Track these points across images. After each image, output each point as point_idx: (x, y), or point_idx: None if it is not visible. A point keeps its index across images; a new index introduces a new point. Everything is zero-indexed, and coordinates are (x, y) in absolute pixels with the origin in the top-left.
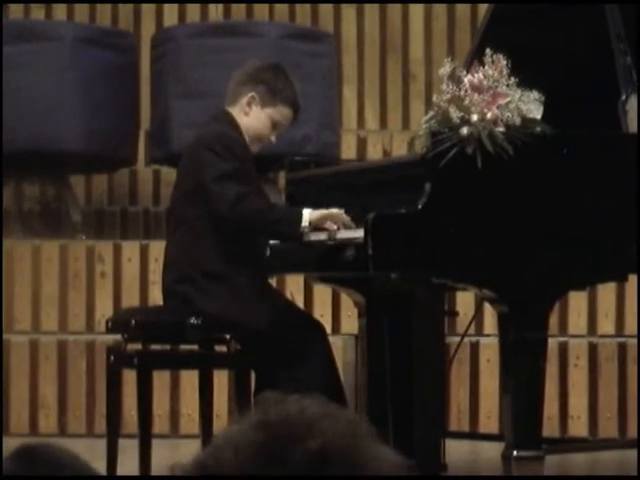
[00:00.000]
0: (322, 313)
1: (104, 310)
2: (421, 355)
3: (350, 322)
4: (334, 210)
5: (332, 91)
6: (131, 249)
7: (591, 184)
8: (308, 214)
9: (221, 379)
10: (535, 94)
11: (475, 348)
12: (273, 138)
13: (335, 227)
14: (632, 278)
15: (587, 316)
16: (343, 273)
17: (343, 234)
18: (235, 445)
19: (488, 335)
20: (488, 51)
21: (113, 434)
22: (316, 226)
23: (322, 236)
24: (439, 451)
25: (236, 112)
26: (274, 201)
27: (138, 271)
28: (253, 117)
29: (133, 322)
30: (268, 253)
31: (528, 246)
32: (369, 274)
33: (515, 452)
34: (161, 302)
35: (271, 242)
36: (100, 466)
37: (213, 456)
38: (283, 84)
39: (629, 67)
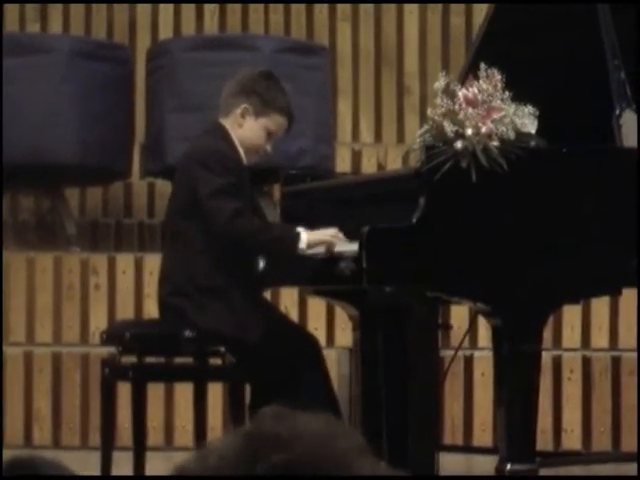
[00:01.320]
0: (316, 326)
1: (98, 322)
2: (415, 368)
3: (344, 335)
4: (331, 232)
5: (327, 104)
6: (125, 262)
7: (585, 198)
8: (306, 237)
9: (216, 392)
10: (529, 108)
11: (469, 361)
12: (269, 148)
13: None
14: (625, 292)
15: (581, 330)
16: (337, 286)
17: (339, 248)
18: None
19: (482, 348)
20: (482, 65)
21: (107, 446)
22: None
23: (320, 250)
24: (433, 464)
25: (229, 124)
26: (269, 214)
27: (133, 284)
28: (247, 128)
29: (127, 335)
30: (262, 266)
31: (522, 260)
32: (363, 287)
33: (509, 465)
34: (156, 315)
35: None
36: None
37: (198, 460)
38: (275, 93)
39: (623, 82)
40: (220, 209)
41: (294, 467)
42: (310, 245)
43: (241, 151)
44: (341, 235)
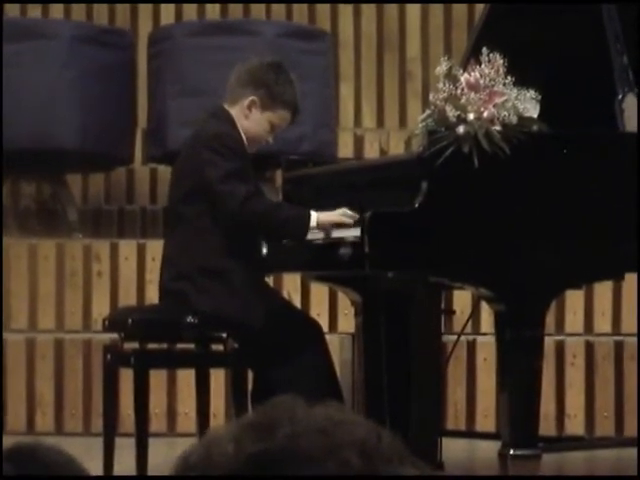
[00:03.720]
0: (319, 312)
1: (101, 309)
2: (418, 354)
3: (347, 321)
4: (339, 212)
5: (329, 90)
6: (128, 248)
7: (588, 183)
8: (316, 216)
9: (218, 377)
10: (531, 93)
11: (472, 347)
12: (270, 139)
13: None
14: (628, 277)
15: (584, 315)
16: (340, 272)
17: (340, 233)
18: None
19: (485, 334)
20: (485, 50)
21: (110, 433)
22: (323, 228)
23: (319, 235)
24: (436, 450)
25: (235, 112)
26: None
27: (135, 270)
28: (253, 121)
29: (130, 321)
30: (265, 252)
31: (525, 245)
32: (366, 273)
33: (512, 451)
34: (157, 301)
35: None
36: (97, 465)
37: (203, 446)
38: (284, 87)
39: (626, 66)
40: (232, 193)
41: (281, 457)
42: (320, 224)
43: (244, 138)
44: (350, 213)
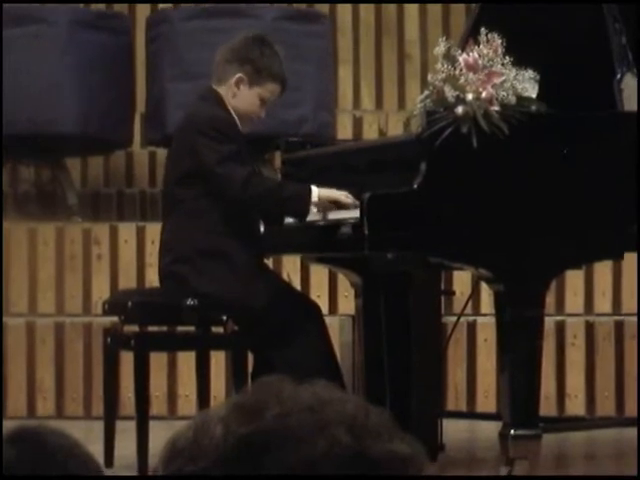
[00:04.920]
0: (319, 294)
1: (101, 292)
2: (418, 335)
3: (347, 303)
4: (343, 192)
5: (328, 71)
6: (127, 231)
7: (587, 163)
8: (317, 190)
9: (218, 360)
10: (530, 73)
11: (472, 327)
12: (262, 114)
13: (349, 201)
14: (628, 256)
15: (584, 295)
16: (339, 253)
17: (339, 214)
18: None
19: (485, 314)
20: (483, 30)
21: (110, 416)
22: (323, 204)
23: (316, 216)
24: (436, 430)
25: (223, 92)
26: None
27: (135, 253)
28: (242, 98)
29: (130, 304)
30: (262, 232)
31: (524, 225)
32: (365, 254)
33: (512, 431)
34: (158, 284)
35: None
36: (98, 448)
37: (191, 429)
38: (269, 60)
39: (624, 46)
40: (231, 176)
41: (270, 438)
42: (321, 199)
43: (236, 118)
44: (351, 197)
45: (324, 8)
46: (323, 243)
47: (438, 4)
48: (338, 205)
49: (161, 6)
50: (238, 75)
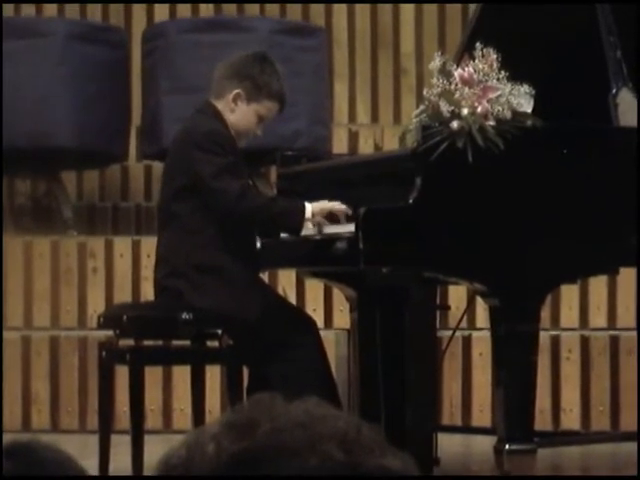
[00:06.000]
0: (314, 308)
1: (96, 306)
2: (413, 349)
3: (342, 317)
4: (335, 203)
5: (323, 86)
6: (123, 245)
7: (582, 178)
8: (310, 207)
9: (213, 374)
10: (525, 88)
11: (467, 342)
12: (259, 132)
13: (343, 212)
14: (623, 271)
15: (579, 309)
16: (335, 268)
17: (335, 229)
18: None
19: (480, 329)
20: (478, 45)
21: (105, 430)
22: (318, 219)
23: (311, 231)
24: (431, 445)
25: (221, 107)
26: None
27: (130, 267)
28: (239, 114)
29: (125, 318)
30: (259, 247)
31: (519, 239)
32: (360, 269)
33: (507, 445)
34: (153, 298)
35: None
36: (93, 462)
37: (183, 447)
38: (269, 78)
39: (619, 60)
40: (226, 189)
41: (262, 455)
42: (314, 214)
43: (233, 133)
44: (344, 206)
45: (320, 21)
46: (318, 257)
47: (433, 18)
48: (332, 217)
49: (157, 20)
50: (236, 91)
